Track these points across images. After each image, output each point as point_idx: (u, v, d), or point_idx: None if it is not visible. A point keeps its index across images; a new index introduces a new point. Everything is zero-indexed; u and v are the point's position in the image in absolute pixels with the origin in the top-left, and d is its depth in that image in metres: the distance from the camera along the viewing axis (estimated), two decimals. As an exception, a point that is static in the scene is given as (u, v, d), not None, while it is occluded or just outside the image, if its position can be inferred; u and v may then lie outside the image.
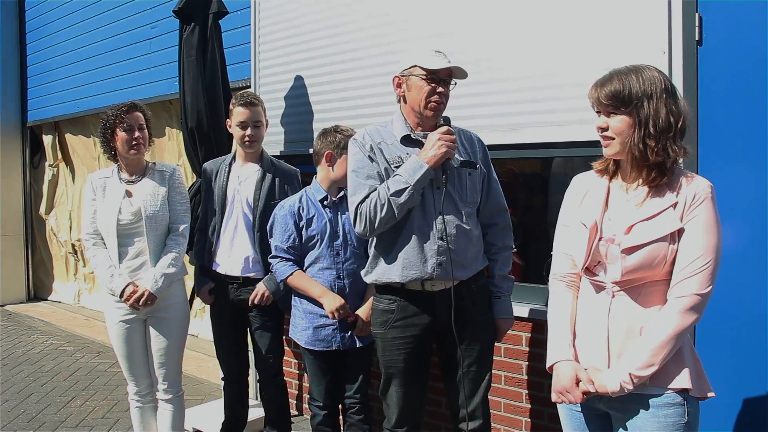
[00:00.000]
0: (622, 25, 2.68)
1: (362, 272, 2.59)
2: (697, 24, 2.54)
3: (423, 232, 2.39)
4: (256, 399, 3.54)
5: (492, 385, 2.63)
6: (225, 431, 3.49)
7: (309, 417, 3.10)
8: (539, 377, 2.96)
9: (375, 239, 2.49)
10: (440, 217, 2.36)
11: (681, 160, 1.77)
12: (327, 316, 2.85)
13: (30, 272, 8.17)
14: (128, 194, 3.05)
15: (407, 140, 2.46)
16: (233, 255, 3.23)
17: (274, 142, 4.17)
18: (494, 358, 2.77)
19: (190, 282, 3.47)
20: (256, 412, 3.65)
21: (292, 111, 4.13)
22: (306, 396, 3.42)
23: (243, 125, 3.19)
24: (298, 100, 4.08)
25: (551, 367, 1.88)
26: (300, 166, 3.50)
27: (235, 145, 3.36)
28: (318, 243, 2.92)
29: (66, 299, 7.80)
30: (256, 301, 3.16)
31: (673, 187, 1.73)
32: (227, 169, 3.29)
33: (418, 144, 2.43)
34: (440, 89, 2.39)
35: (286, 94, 4.15)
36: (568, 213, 1.95)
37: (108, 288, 3.02)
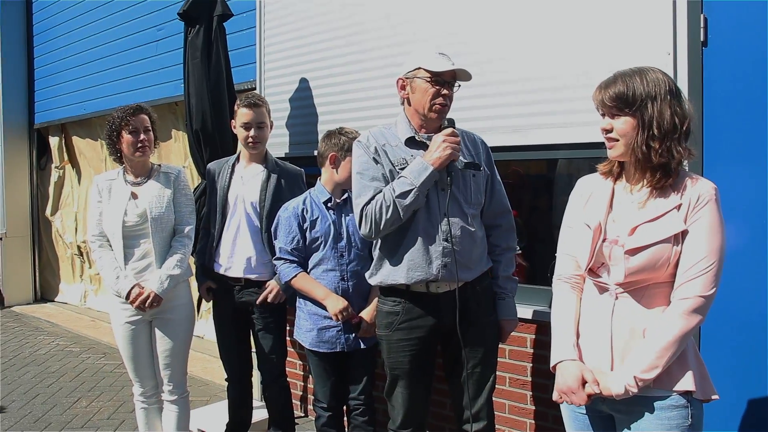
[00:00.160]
0: (626, 26, 2.68)
1: (366, 274, 2.59)
2: (702, 25, 2.53)
3: (428, 233, 2.39)
4: (260, 400, 3.54)
5: (496, 386, 2.62)
6: (229, 432, 3.50)
7: (314, 418, 3.10)
8: (544, 379, 2.96)
9: (380, 241, 2.49)
10: (445, 218, 2.37)
11: (686, 162, 1.77)
12: (331, 318, 2.86)
13: (36, 273, 8.21)
14: (134, 196, 3.06)
15: (411, 142, 2.46)
16: (235, 256, 3.23)
17: (279, 143, 4.18)
18: (499, 359, 2.77)
19: (195, 283, 3.48)
20: (260, 413, 3.66)
21: (297, 113, 4.15)
22: (311, 397, 3.42)
23: (247, 126, 3.20)
24: (303, 102, 4.09)
25: (554, 367, 1.88)
26: (305, 168, 3.51)
27: (240, 147, 3.37)
28: (322, 245, 2.92)
29: (72, 300, 7.83)
30: (269, 299, 3.16)
31: (678, 189, 1.73)
32: (230, 170, 3.30)
33: (423, 146, 2.43)
34: (444, 91, 2.39)
35: (291, 96, 4.17)
36: (573, 215, 1.95)
37: (114, 290, 3.03)
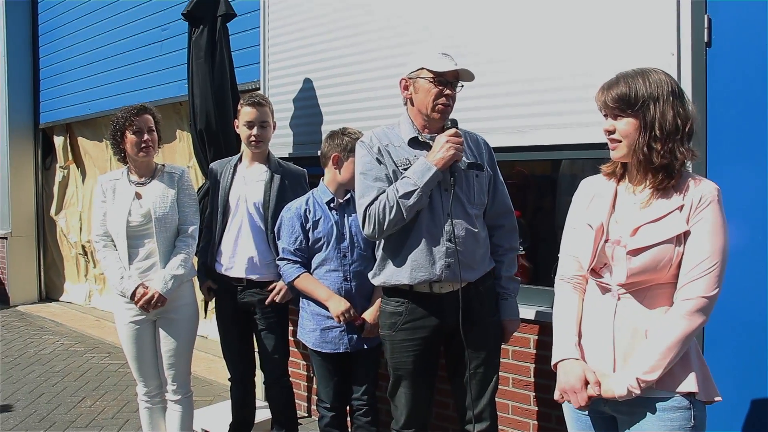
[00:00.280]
0: (630, 26, 2.67)
1: (369, 274, 2.60)
2: (706, 25, 2.53)
3: (432, 234, 2.39)
4: (264, 400, 3.54)
5: (500, 387, 2.62)
6: (233, 432, 3.51)
7: (317, 418, 3.11)
8: (547, 380, 2.96)
9: (383, 241, 2.50)
10: (448, 219, 2.37)
11: (689, 163, 1.77)
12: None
13: (42, 273, 8.24)
14: (138, 196, 3.07)
15: (415, 142, 2.46)
16: (237, 256, 3.23)
17: (282, 144, 4.19)
18: (502, 360, 2.77)
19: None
20: (263, 413, 3.66)
21: (301, 113, 4.15)
22: (315, 397, 3.42)
23: (250, 125, 3.21)
24: (306, 102, 4.09)
25: (556, 365, 1.88)
26: (309, 168, 3.51)
27: (243, 147, 3.37)
28: (325, 245, 2.92)
29: (77, 300, 7.86)
30: (277, 300, 3.17)
31: (680, 190, 1.73)
32: (232, 170, 3.30)
33: (426, 146, 2.43)
34: (447, 91, 2.40)
35: (294, 96, 4.17)
36: (576, 215, 1.95)
37: (118, 289, 3.04)
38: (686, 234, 1.70)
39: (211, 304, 3.51)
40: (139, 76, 6.05)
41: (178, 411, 3.17)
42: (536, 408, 3.05)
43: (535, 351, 3.04)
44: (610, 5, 2.73)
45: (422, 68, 2.40)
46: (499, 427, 2.73)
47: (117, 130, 3.06)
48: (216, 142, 3.95)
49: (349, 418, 3.10)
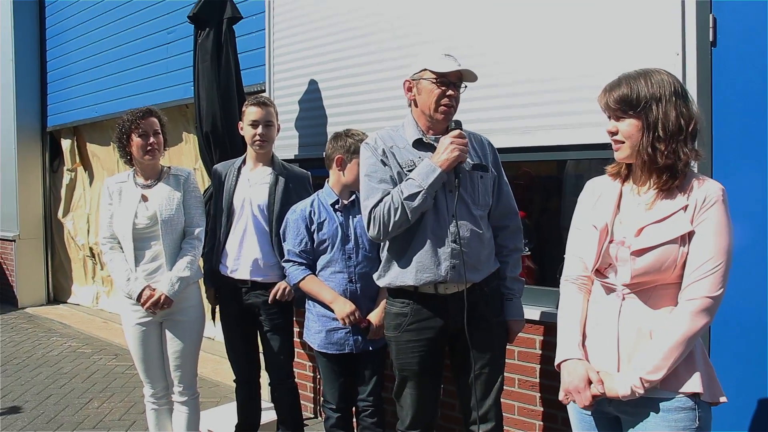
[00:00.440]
0: (635, 26, 2.67)
1: (375, 276, 2.60)
2: (711, 25, 2.52)
3: (436, 235, 2.39)
4: (269, 401, 3.55)
5: (506, 388, 2.62)
6: (238, 433, 3.52)
7: (323, 419, 3.11)
8: (552, 380, 2.95)
9: (388, 243, 2.50)
10: (453, 220, 2.37)
11: (695, 163, 1.76)
12: (340, 320, 2.87)
13: (49, 275, 8.27)
14: (144, 198, 3.08)
15: (419, 144, 2.47)
16: (242, 258, 3.24)
17: (288, 146, 4.20)
18: (508, 361, 2.77)
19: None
20: (269, 414, 3.67)
21: (306, 115, 4.16)
22: (321, 398, 3.43)
23: (255, 124, 3.21)
24: (312, 104, 4.10)
25: (559, 365, 1.88)
26: (314, 170, 3.52)
27: (247, 151, 3.36)
28: (330, 247, 2.93)
29: (84, 302, 7.89)
30: (277, 297, 3.17)
31: (684, 190, 1.72)
32: (236, 173, 3.30)
33: (430, 148, 2.43)
34: (450, 92, 2.40)
35: (300, 98, 4.18)
36: (581, 216, 1.95)
37: (125, 291, 3.05)
38: (691, 234, 1.69)
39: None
40: (146, 79, 6.08)
41: (185, 412, 3.18)
42: (542, 409, 3.05)
43: (540, 352, 3.04)
44: (615, 5, 2.73)
45: (425, 69, 2.40)
46: (505, 427, 2.73)
47: (123, 133, 3.08)
48: (222, 144, 3.97)
49: (354, 419, 3.10)
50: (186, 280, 3.05)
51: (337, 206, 2.96)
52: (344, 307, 2.84)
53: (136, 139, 3.05)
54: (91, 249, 7.63)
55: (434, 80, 2.38)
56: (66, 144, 7.74)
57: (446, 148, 2.32)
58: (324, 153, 3.06)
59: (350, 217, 2.95)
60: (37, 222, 8.10)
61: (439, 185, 2.34)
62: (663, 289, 1.73)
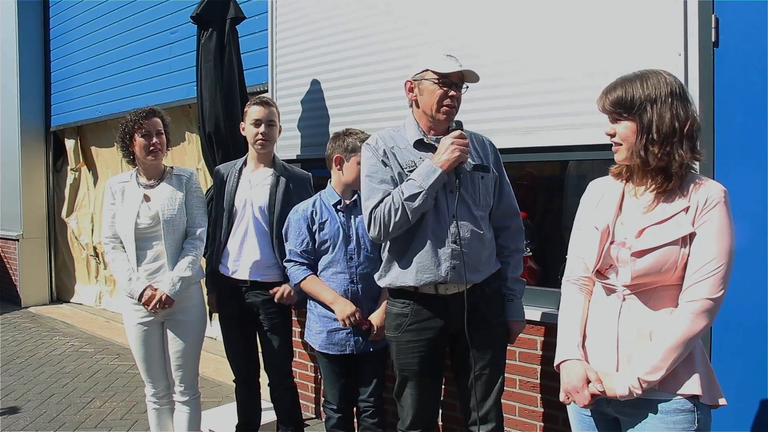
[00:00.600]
0: (637, 27, 2.66)
1: (376, 276, 2.60)
2: (713, 25, 2.51)
3: (437, 236, 2.39)
4: (270, 401, 3.55)
5: (506, 389, 2.62)
6: (239, 433, 3.52)
7: (324, 419, 3.11)
8: (554, 381, 2.95)
9: (389, 243, 2.50)
10: (454, 221, 2.36)
11: (697, 164, 1.76)
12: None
13: (53, 275, 8.30)
14: (146, 198, 3.09)
15: (420, 144, 2.46)
16: (242, 258, 3.23)
17: (290, 146, 4.20)
18: (509, 362, 2.77)
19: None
20: (269, 414, 3.67)
21: (309, 115, 4.16)
22: (322, 398, 3.43)
23: (257, 123, 3.20)
24: (314, 104, 4.10)
25: (558, 366, 1.88)
26: (316, 170, 3.52)
27: (249, 150, 3.36)
28: (331, 247, 2.93)
29: (87, 301, 7.91)
30: (276, 298, 3.16)
31: (685, 192, 1.72)
32: (237, 174, 3.29)
33: (431, 148, 2.43)
34: (452, 93, 2.39)
35: (302, 98, 4.19)
36: (584, 217, 1.95)
37: (126, 291, 3.05)
38: (692, 236, 1.69)
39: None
40: (149, 79, 6.10)
41: (186, 412, 3.19)
42: (542, 410, 3.04)
43: (541, 353, 3.03)
44: (618, 5, 2.72)
45: (427, 70, 2.40)
46: (506, 428, 2.73)
47: (126, 133, 3.09)
48: (225, 144, 3.97)
49: (355, 420, 3.10)
50: (187, 280, 3.05)
51: (339, 206, 2.96)
52: (345, 308, 2.84)
53: (139, 139, 3.05)
54: (95, 248, 7.64)
55: (436, 81, 2.38)
56: (70, 144, 7.76)
57: (447, 148, 2.32)
58: (325, 153, 3.06)
59: (352, 217, 2.95)
60: (40, 221, 8.12)
61: (439, 186, 2.34)
62: (664, 290, 1.73)
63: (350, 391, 3.01)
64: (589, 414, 1.88)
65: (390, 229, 2.37)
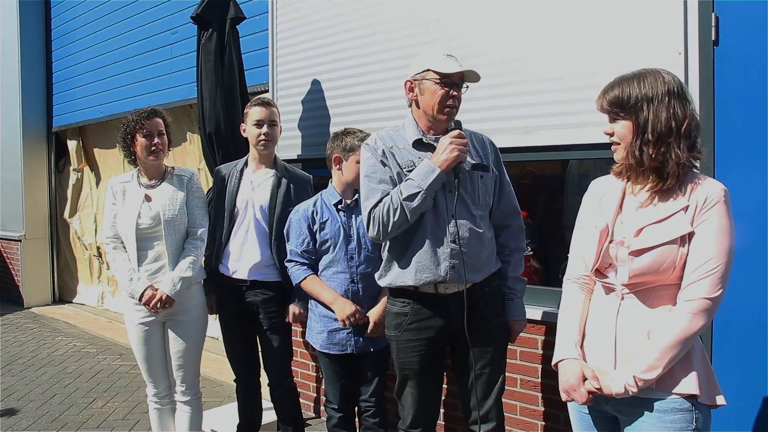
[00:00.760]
0: (637, 26, 2.66)
1: (376, 275, 2.60)
2: (713, 24, 2.51)
3: (436, 235, 2.39)
4: (270, 401, 3.56)
5: (507, 388, 2.61)
6: (240, 433, 3.52)
7: (326, 419, 3.11)
8: (554, 381, 2.92)
9: (388, 243, 2.50)
10: (453, 220, 2.36)
11: (698, 163, 1.76)
12: (342, 320, 2.87)
13: (55, 275, 8.32)
14: (147, 199, 3.09)
15: (419, 144, 2.46)
16: (242, 259, 3.23)
17: (291, 146, 4.21)
18: (510, 361, 2.77)
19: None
20: (270, 414, 3.67)
21: (310, 115, 4.17)
22: (324, 398, 3.44)
23: (259, 123, 3.20)
24: (315, 104, 4.11)
25: (556, 365, 1.88)
26: (317, 170, 3.52)
27: (250, 152, 3.36)
28: (332, 247, 2.93)
29: (90, 302, 7.93)
30: (290, 320, 3.18)
31: (685, 191, 1.72)
32: (238, 174, 3.29)
33: (430, 148, 2.42)
34: (453, 93, 2.39)
35: (303, 98, 4.19)
36: (585, 216, 1.95)
37: (127, 291, 3.06)
38: (691, 235, 1.68)
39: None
40: (150, 79, 6.10)
41: (187, 412, 3.19)
42: (543, 409, 3.04)
43: (542, 352, 3.03)
44: (618, 5, 2.72)
45: (428, 70, 2.40)
46: (507, 428, 2.73)
47: (127, 133, 3.09)
48: (225, 144, 3.97)
49: (357, 419, 3.10)
50: (188, 280, 3.06)
51: (339, 206, 2.96)
52: (344, 309, 2.84)
53: (140, 140, 3.05)
54: (98, 248, 7.65)
55: (437, 80, 2.37)
56: (72, 144, 7.77)
57: (445, 148, 2.32)
58: (325, 153, 3.06)
59: (353, 217, 2.95)
60: (42, 222, 8.14)
61: (438, 185, 2.34)
62: (662, 289, 1.73)
63: (351, 390, 3.02)
64: (588, 412, 1.88)
65: (389, 229, 2.37)
